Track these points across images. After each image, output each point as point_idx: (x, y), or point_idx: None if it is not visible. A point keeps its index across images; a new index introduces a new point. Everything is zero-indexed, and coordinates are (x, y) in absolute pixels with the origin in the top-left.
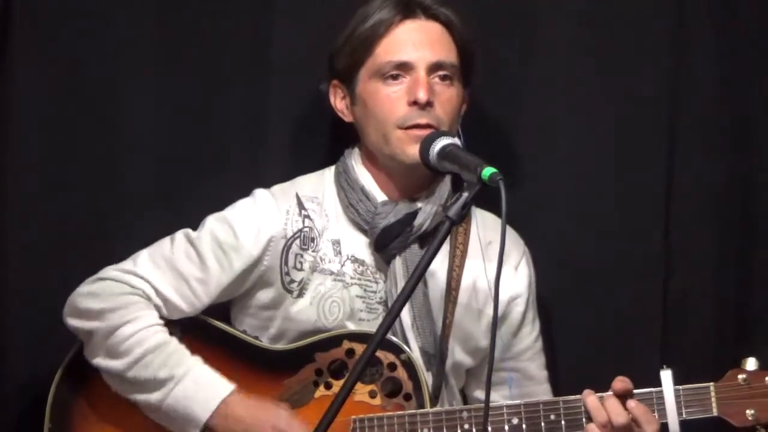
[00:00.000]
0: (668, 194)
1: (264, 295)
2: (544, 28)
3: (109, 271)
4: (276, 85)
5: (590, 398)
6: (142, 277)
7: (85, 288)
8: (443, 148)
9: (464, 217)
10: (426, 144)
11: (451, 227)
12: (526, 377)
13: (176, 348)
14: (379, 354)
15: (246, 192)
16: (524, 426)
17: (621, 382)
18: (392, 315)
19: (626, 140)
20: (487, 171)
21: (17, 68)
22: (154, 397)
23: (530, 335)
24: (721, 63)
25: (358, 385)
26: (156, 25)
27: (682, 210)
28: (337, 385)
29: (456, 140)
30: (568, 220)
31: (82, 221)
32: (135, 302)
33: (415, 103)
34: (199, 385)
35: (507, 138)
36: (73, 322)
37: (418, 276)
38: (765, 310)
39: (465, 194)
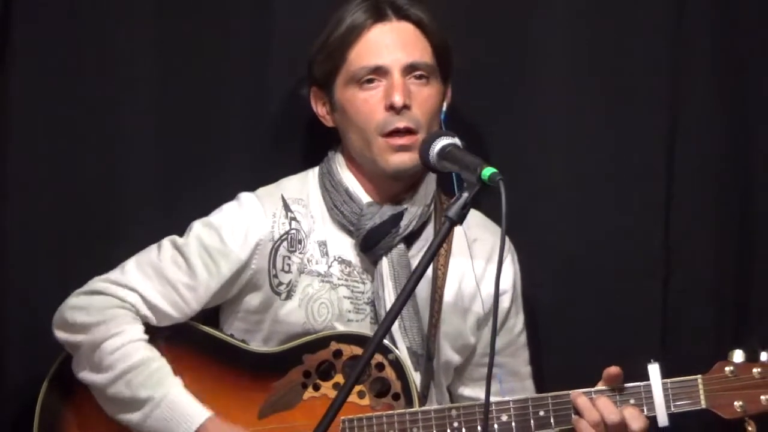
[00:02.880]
0: (668, 194)
1: (253, 299)
2: (544, 28)
3: (97, 282)
4: (274, 87)
5: (580, 399)
6: (130, 287)
7: (73, 300)
8: (443, 148)
9: (464, 217)
10: (426, 144)
11: (452, 227)
12: (509, 372)
13: (159, 367)
14: None
15: (245, 188)
16: (513, 423)
17: (613, 369)
18: (391, 316)
19: (626, 140)
20: (487, 171)
21: (17, 68)
22: (134, 417)
23: (513, 329)
24: (721, 63)
25: None
26: (155, 26)
27: (682, 210)
28: (326, 386)
29: (456, 140)
30: (568, 220)
31: (81, 223)
32: (121, 315)
33: (391, 107)
34: (176, 410)
35: (506, 138)
36: (60, 334)
37: (417, 278)
38: (765, 310)
39: (465, 194)
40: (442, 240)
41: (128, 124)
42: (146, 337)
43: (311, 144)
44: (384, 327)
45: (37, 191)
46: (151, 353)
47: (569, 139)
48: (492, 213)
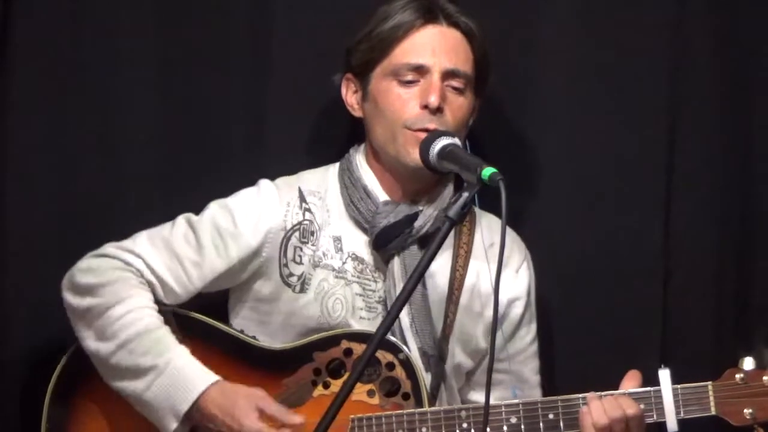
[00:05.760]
0: (668, 194)
1: (262, 288)
2: (544, 29)
3: (108, 247)
4: (277, 81)
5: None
6: (137, 255)
7: (83, 263)
8: (443, 148)
9: (464, 216)
10: (426, 144)
11: (451, 227)
12: (518, 380)
13: (162, 335)
14: (377, 353)
15: (246, 186)
16: (522, 425)
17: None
18: (392, 316)
19: (626, 140)
20: (487, 171)
21: (17, 68)
22: (137, 386)
23: (525, 338)
24: (721, 63)
25: (357, 385)
26: (156, 20)
27: (682, 210)
28: (336, 384)
29: (456, 140)
30: (569, 220)
31: (81, 223)
32: (127, 279)
33: (426, 107)
34: (179, 377)
35: (507, 138)
36: (68, 297)
37: (418, 277)
38: (765, 311)
39: (465, 194)
40: (442, 240)
41: (128, 123)
42: (155, 306)
43: (311, 145)
44: (385, 325)
45: (37, 191)
46: (156, 321)
47: (569, 139)
48: (491, 212)
